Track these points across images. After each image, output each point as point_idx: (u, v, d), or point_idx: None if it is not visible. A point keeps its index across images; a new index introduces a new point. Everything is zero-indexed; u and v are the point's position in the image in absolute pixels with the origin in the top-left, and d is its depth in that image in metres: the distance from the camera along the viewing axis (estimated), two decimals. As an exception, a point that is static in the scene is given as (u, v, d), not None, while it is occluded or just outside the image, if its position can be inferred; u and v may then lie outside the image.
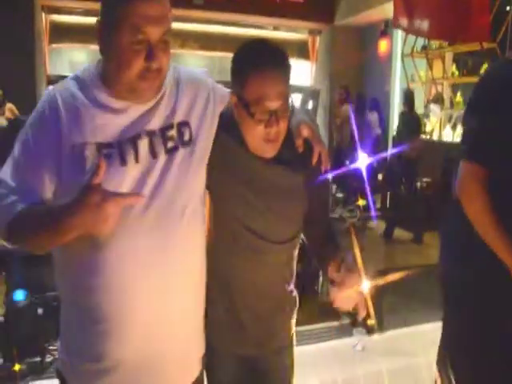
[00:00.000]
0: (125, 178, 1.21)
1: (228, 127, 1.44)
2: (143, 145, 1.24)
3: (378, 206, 6.86)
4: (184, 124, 1.32)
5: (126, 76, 1.19)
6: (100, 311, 1.22)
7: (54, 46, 9.34)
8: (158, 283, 1.25)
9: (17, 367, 2.79)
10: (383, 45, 8.84)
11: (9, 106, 5.44)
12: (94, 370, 1.26)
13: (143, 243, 1.22)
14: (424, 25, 5.79)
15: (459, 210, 1.69)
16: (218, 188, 1.45)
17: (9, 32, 7.27)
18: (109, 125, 1.23)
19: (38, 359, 2.91)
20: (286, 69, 1.38)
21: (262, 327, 1.51)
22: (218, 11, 8.55)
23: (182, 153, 1.30)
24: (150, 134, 1.26)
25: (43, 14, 8.70)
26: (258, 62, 1.35)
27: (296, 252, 1.57)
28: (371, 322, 3.41)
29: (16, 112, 5.60)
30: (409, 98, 6.29)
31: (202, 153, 1.36)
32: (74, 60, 10.20)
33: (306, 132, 1.46)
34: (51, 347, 3.02)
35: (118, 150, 1.22)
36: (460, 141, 1.83)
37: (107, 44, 1.20)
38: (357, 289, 1.31)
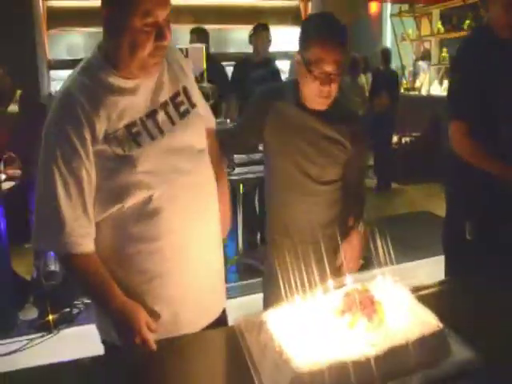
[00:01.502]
0: (156, 151, 1.38)
1: (283, 93, 1.81)
2: (161, 117, 1.41)
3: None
4: (185, 88, 1.51)
5: (139, 55, 1.30)
6: (161, 256, 1.41)
7: (52, 31, 9.49)
8: (199, 222, 1.47)
9: (50, 317, 3.22)
10: (374, 6, 8.99)
11: (19, 92, 5.75)
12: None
13: (185, 196, 1.43)
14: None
15: (453, 156, 2.22)
16: (278, 145, 1.82)
17: (8, 20, 7.51)
18: (130, 105, 1.37)
19: (67, 310, 3.36)
20: (344, 41, 1.69)
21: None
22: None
23: (192, 113, 1.49)
24: (164, 106, 1.43)
25: (40, 0, 8.87)
26: (322, 32, 1.67)
27: (339, 196, 1.89)
28: (360, 260, 3.79)
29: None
30: (385, 54, 6.65)
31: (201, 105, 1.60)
32: (72, 44, 10.37)
33: None
34: (76, 302, 3.47)
35: (143, 126, 1.38)
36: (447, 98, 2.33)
37: (119, 28, 1.29)
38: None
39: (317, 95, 1.72)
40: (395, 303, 1.25)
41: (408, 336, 1.13)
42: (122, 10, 1.27)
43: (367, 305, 1.21)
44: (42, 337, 3.14)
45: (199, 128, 1.54)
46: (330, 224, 1.87)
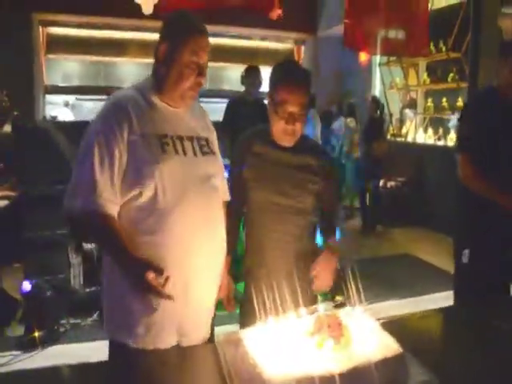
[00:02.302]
0: (178, 164, 1.62)
1: (258, 136, 2.03)
2: (187, 145, 1.68)
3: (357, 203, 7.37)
4: (208, 138, 1.78)
5: (181, 86, 1.63)
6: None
7: (50, 56, 9.68)
8: (205, 240, 1.65)
9: (36, 334, 3.29)
10: (363, 55, 9.35)
11: (15, 113, 5.91)
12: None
13: (194, 209, 1.63)
14: (374, 43, 6.47)
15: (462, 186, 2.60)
16: (255, 181, 1.98)
17: (8, 45, 7.74)
18: (164, 123, 1.66)
19: (54, 329, 3.43)
20: (306, 85, 1.92)
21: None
22: (209, 24, 8.88)
23: (212, 156, 1.77)
24: (191, 139, 1.70)
25: (40, 28, 9.10)
26: (286, 76, 1.91)
27: (308, 231, 2.05)
28: (339, 297, 3.92)
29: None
30: (377, 102, 6.97)
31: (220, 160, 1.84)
32: (68, 70, 10.60)
33: None
34: (63, 321, 3.57)
35: (171, 140, 1.64)
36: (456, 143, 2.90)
37: (171, 61, 1.63)
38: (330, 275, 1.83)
39: (282, 133, 1.92)
40: (361, 329, 1.39)
41: (370, 357, 1.27)
42: (177, 47, 1.62)
43: (335, 328, 1.35)
44: (26, 353, 3.20)
45: (217, 170, 1.78)
46: (303, 254, 2.01)
